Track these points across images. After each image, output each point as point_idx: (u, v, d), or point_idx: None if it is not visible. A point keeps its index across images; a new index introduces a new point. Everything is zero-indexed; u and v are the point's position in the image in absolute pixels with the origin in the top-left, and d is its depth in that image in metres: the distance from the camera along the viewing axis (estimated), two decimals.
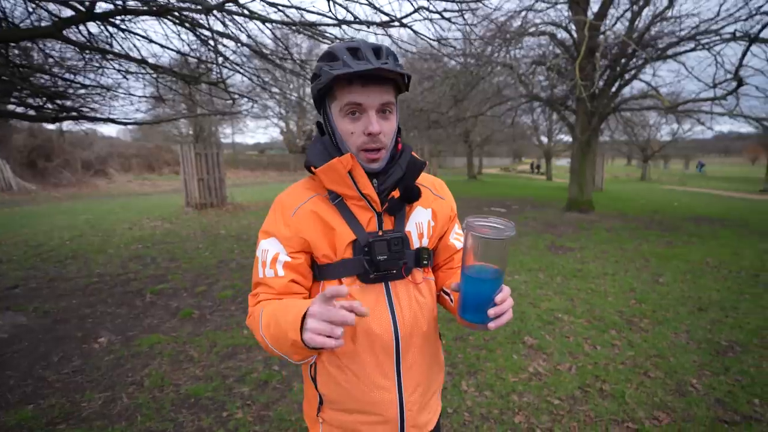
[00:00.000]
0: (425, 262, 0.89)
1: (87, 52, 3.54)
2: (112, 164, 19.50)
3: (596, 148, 10.62)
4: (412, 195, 0.85)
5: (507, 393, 2.46)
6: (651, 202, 13.22)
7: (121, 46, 4.02)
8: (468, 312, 0.76)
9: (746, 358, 2.95)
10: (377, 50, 0.77)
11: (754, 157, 45.28)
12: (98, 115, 5.00)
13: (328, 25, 2.82)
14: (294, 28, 2.96)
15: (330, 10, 2.55)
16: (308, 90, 26.16)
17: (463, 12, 2.80)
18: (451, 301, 0.91)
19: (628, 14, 8.56)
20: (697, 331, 3.36)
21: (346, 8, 2.58)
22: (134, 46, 4.08)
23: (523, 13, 8.77)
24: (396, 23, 2.63)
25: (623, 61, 8.76)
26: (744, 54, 7.19)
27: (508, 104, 12.21)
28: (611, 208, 11.17)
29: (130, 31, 3.90)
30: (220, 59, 3.21)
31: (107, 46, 3.90)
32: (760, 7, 7.24)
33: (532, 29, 9.04)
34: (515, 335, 3.23)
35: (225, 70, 3.50)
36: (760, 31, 6.96)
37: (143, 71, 4.24)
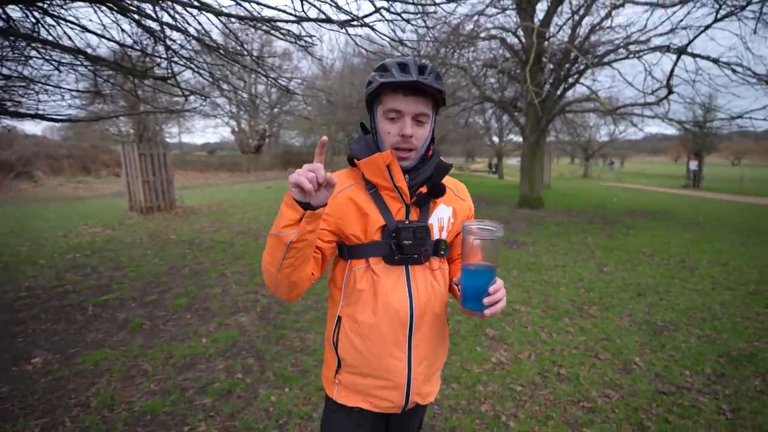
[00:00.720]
0: (442, 252, 1.01)
1: (11, 39, 3.17)
2: (39, 165, 17.63)
3: (544, 147, 11.26)
4: (437, 191, 0.99)
5: (473, 384, 2.54)
6: (593, 198, 14.25)
7: (49, 32, 3.65)
8: (467, 301, 0.89)
9: (678, 335, 3.27)
10: (422, 68, 0.90)
11: (676, 156, 50.42)
12: (23, 110, 4.50)
13: (286, 21, 2.74)
14: (250, 22, 2.85)
15: (301, 7, 2.47)
16: (261, 88, 25.19)
17: (423, 15, 2.85)
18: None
19: (570, 23, 9.15)
20: (638, 314, 3.67)
21: (315, 6, 2.51)
22: (66, 34, 3.72)
23: (475, 17, 9.10)
24: (356, 22, 2.62)
25: (567, 66, 9.37)
26: (674, 65, 7.97)
27: (461, 105, 12.61)
28: (559, 204, 11.91)
29: (60, 17, 3.55)
30: (170, 53, 3.01)
31: (33, 33, 3.52)
32: (680, 21, 8.08)
33: (484, 33, 9.41)
34: (477, 328, 3.34)
35: (176, 66, 3.28)
36: (687, 45, 7.75)
37: (78, 63, 3.88)
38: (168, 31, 3.05)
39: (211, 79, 4.51)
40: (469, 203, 1.12)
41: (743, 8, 6.90)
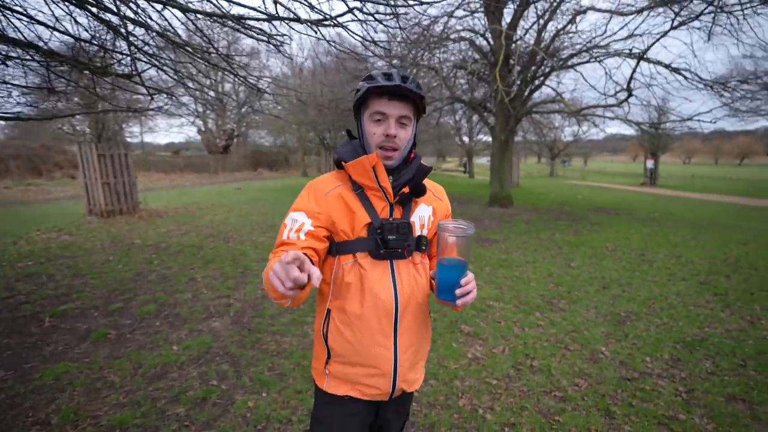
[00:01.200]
0: (423, 247, 1.09)
1: None
2: None
3: (513, 147, 11.60)
4: (418, 191, 1.07)
5: (450, 380, 2.59)
6: (560, 196, 14.82)
7: None
8: (442, 293, 0.97)
9: (639, 324, 3.47)
10: (405, 77, 1.00)
11: (635, 155, 53.38)
12: None
13: (256, 19, 2.67)
14: (219, 20, 2.76)
15: (274, 9, 2.41)
16: (228, 86, 24.44)
17: (395, 16, 2.87)
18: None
19: (536, 27, 9.47)
20: (603, 306, 3.86)
21: (288, 9, 2.45)
22: (12, 25, 3.46)
23: (444, 19, 9.25)
24: (329, 22, 2.59)
25: (533, 68, 9.69)
26: (634, 70, 8.43)
27: (433, 105, 12.77)
28: (527, 202, 12.31)
29: (4, 7, 3.30)
30: (133, 50, 2.87)
31: None
32: (636, 28, 8.55)
33: (454, 35, 9.58)
34: (453, 325, 3.40)
35: (139, 63, 3.13)
36: (646, 50, 8.21)
37: (29, 57, 3.62)
38: (130, 27, 2.90)
39: (176, 77, 4.34)
40: (446, 204, 1.21)
41: (696, 18, 7.41)
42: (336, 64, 10.41)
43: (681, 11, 7.47)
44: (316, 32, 2.75)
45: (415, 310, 1.08)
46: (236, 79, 4.39)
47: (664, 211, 10.80)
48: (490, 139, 16.05)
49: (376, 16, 2.77)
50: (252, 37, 2.91)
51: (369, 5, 2.66)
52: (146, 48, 3.31)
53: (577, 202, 12.72)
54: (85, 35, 3.60)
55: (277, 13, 2.54)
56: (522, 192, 15.87)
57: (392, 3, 2.67)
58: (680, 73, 8.34)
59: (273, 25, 2.80)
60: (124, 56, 3.27)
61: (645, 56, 8.31)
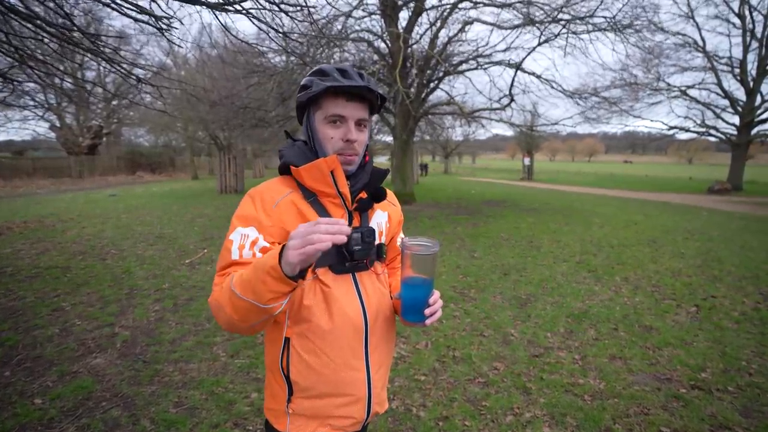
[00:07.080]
0: (383, 256, 1.02)
1: None
2: None
3: (413, 146, 12.17)
4: (379, 196, 0.98)
5: None
6: (456, 191, 16.08)
7: None
8: (408, 314, 0.90)
9: (537, 304, 3.90)
10: (361, 74, 0.90)
11: (512, 153, 61.17)
12: None
13: None
14: None
15: None
16: (89, 74, 20.75)
17: (307, 8, 2.68)
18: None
19: (430, 33, 10.07)
20: (507, 291, 4.25)
21: None
22: None
23: (342, 18, 9.21)
24: (230, 7, 2.28)
25: (428, 72, 10.29)
26: (513, 78, 9.53)
27: None
28: (428, 198, 13.06)
29: None
30: None
31: None
32: (512, 42, 9.70)
33: (353, 35, 9.61)
34: None
35: None
36: (521, 61, 9.35)
37: None
38: None
39: (17, 58, 3.45)
40: (399, 209, 1.13)
41: (555, 37, 8.73)
42: (229, 57, 9.59)
43: (543, 32, 8.79)
44: (216, 17, 2.42)
45: (383, 325, 1.00)
46: (102, 66, 3.68)
47: (541, 202, 12.51)
48: (388, 139, 16.62)
49: (282, 6, 2.54)
50: (130, 17, 2.41)
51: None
52: None
53: (471, 197, 13.95)
54: None
55: None
56: (422, 188, 16.80)
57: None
58: (549, 83, 9.72)
59: (157, 4, 2.36)
60: None
61: (521, 67, 9.48)
